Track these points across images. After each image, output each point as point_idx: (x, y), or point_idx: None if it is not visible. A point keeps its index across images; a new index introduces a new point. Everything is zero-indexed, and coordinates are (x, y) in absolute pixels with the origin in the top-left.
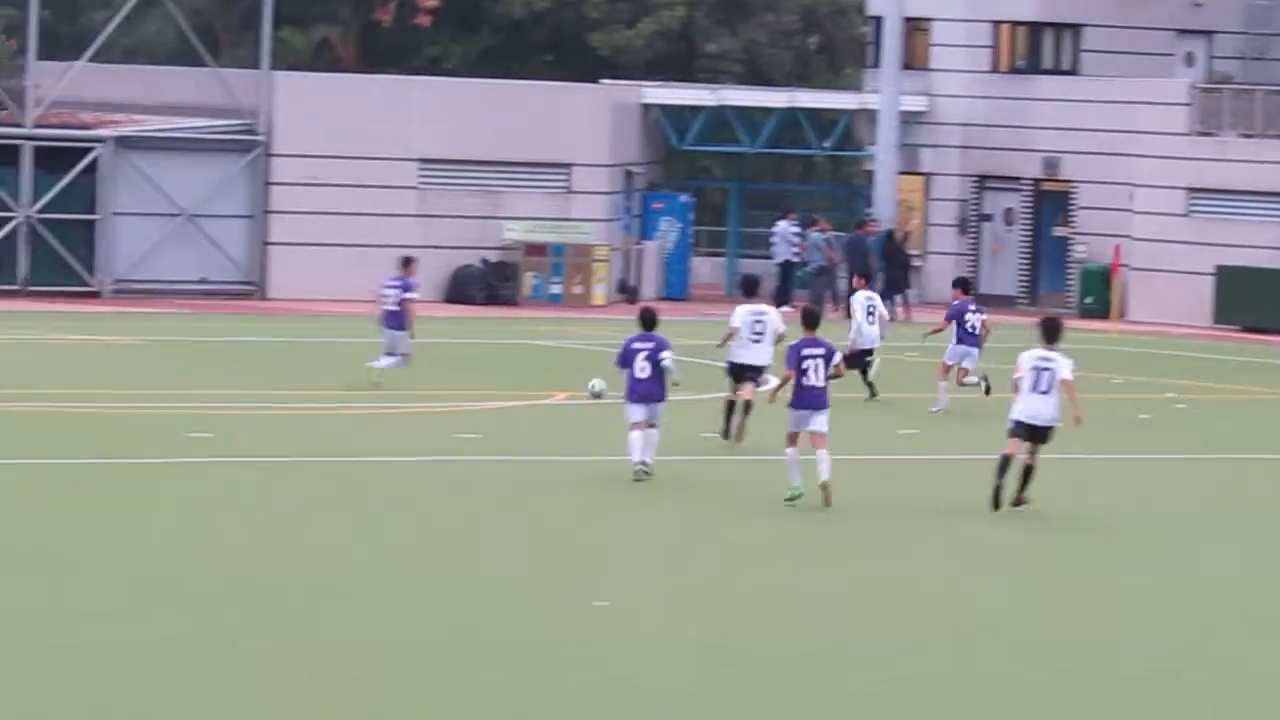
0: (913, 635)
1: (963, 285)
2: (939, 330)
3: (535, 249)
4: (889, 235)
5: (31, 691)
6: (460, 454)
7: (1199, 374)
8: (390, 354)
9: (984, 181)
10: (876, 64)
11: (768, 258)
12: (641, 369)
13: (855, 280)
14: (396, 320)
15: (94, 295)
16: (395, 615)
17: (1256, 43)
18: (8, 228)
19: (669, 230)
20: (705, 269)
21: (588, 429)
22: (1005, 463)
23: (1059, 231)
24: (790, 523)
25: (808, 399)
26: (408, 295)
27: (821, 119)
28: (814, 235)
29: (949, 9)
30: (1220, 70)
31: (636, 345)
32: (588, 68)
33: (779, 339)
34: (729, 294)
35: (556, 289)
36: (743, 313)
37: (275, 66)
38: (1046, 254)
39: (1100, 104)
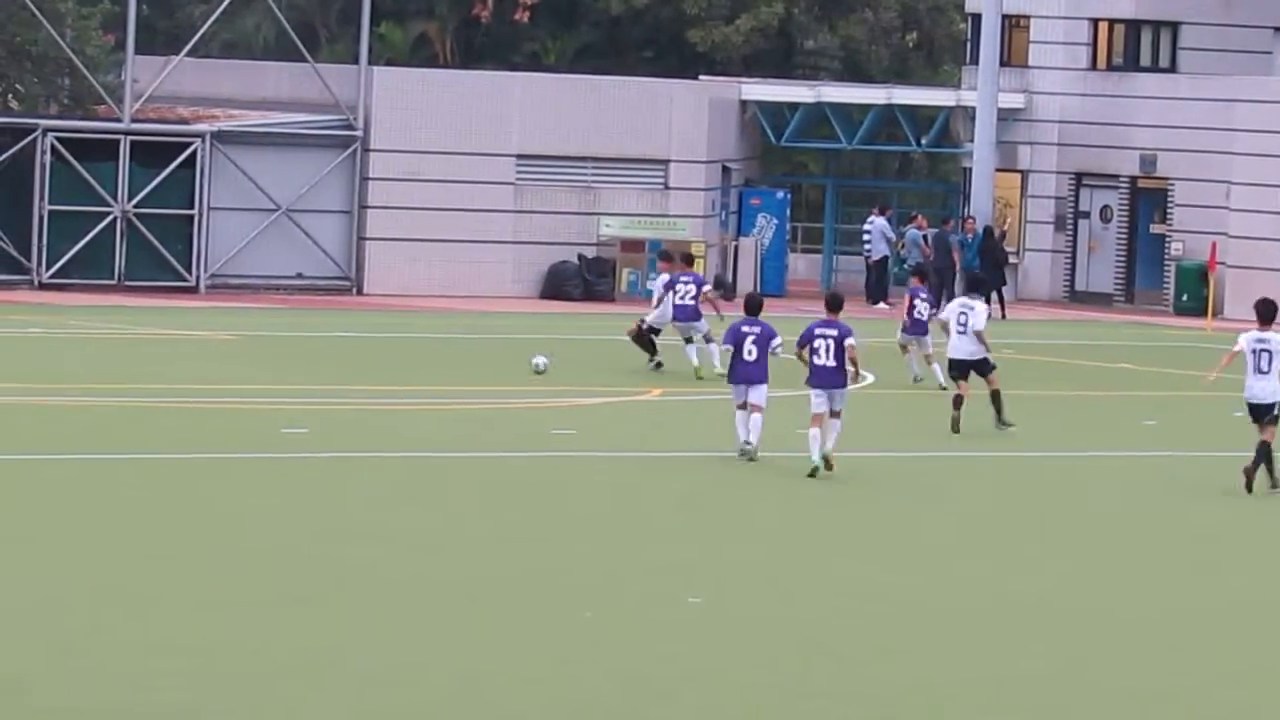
0: (1021, 632)
1: (919, 273)
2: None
3: (632, 245)
4: (986, 232)
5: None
6: (556, 449)
7: None
8: (708, 340)
9: (1081, 179)
10: (974, 61)
11: (863, 254)
12: (749, 352)
13: (913, 279)
14: (690, 313)
15: (190, 290)
16: (491, 611)
17: None
18: (105, 222)
19: (766, 227)
20: (802, 265)
21: (685, 425)
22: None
23: (1156, 229)
24: (894, 518)
25: (821, 378)
26: (704, 288)
27: (919, 116)
28: (911, 232)
29: (1048, 6)
30: None
31: (744, 329)
32: (685, 63)
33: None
34: (825, 291)
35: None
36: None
37: (373, 62)
38: (1143, 251)
39: (1198, 101)
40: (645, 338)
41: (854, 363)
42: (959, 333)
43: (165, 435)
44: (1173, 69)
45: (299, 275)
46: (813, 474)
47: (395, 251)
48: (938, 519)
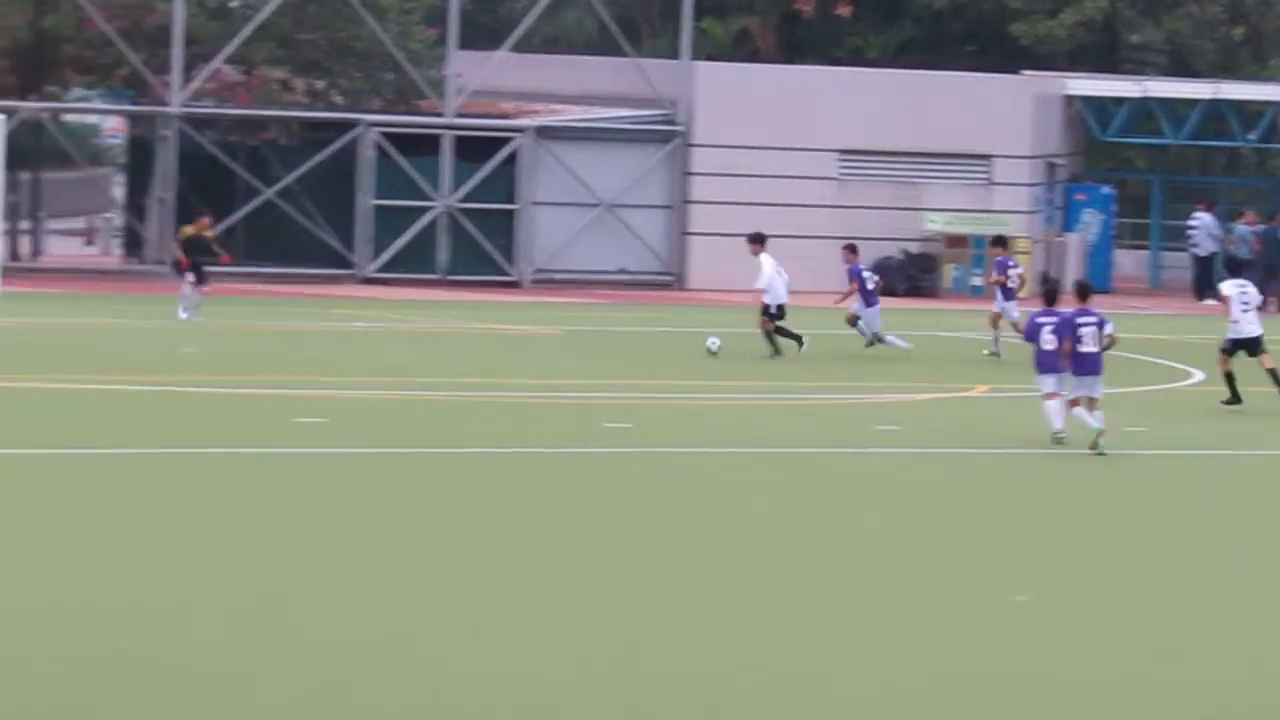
0: None
1: (851, 249)
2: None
3: (956, 241)
4: None
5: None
6: (879, 446)
7: None
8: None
9: None
10: None
11: (1189, 250)
12: (1083, 343)
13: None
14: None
15: (513, 285)
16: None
17: None
18: (428, 217)
19: (1091, 223)
20: (1128, 262)
21: (1008, 423)
22: None
23: None
24: (1232, 520)
25: (1085, 365)
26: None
27: (1247, 110)
28: (1240, 228)
29: None
30: None
31: (1080, 321)
32: (1008, 58)
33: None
34: (1154, 287)
35: (978, 281)
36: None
37: (695, 57)
38: None
39: None
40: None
41: (1109, 347)
42: (1243, 311)
43: (490, 430)
44: None
45: (622, 270)
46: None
47: (717, 246)
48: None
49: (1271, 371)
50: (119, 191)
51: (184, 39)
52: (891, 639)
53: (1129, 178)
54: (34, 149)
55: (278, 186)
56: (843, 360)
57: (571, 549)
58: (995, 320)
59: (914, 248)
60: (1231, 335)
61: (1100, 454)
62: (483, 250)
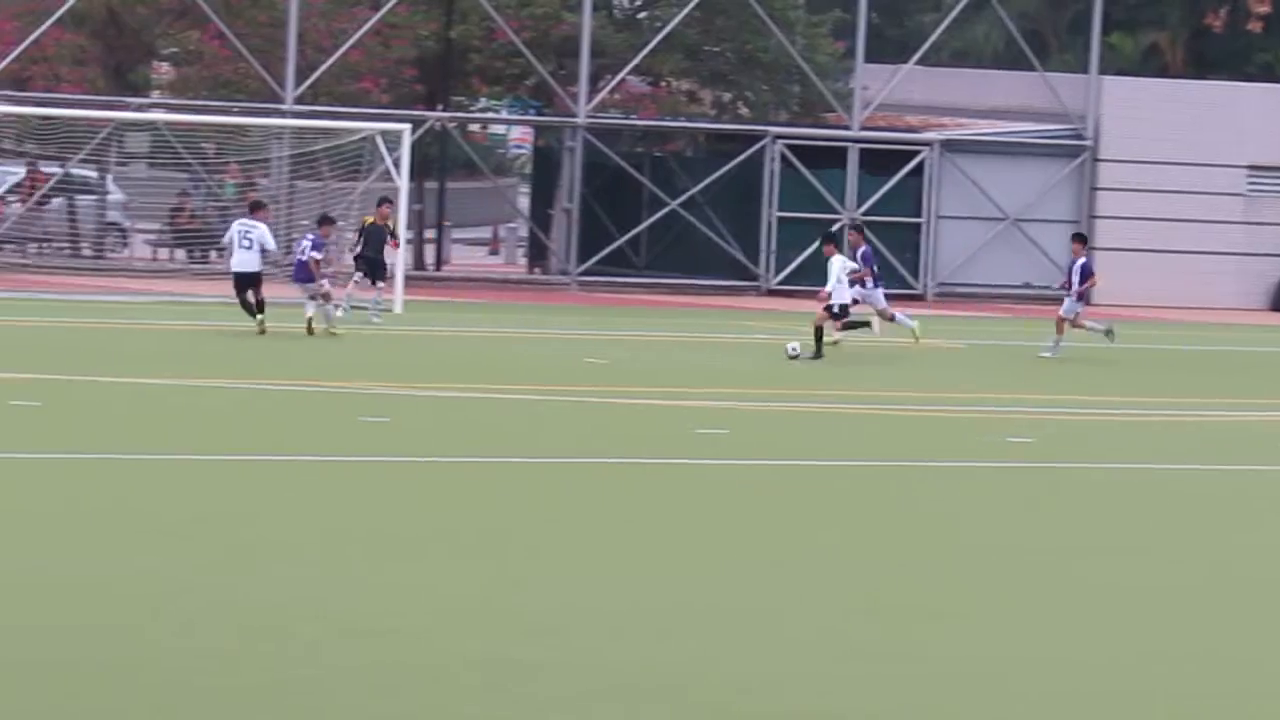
0: None
1: (852, 231)
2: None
3: None
4: None
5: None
6: (1260, 463)
7: None
8: None
9: None
10: None
11: None
12: None
13: None
14: None
15: (918, 298)
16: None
17: None
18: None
19: None
20: None
21: None
22: None
23: None
24: None
25: None
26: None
27: None
28: None
29: None
30: None
31: None
32: None
33: None
34: None
35: None
36: None
37: (1103, 71)
38: None
39: None
40: None
41: None
42: None
43: (884, 443)
44: None
45: (1026, 284)
46: None
47: (1124, 261)
48: None
49: None
50: (523, 201)
51: (590, 50)
52: None
53: None
54: (440, 158)
55: (682, 198)
56: (1216, 374)
57: (964, 565)
58: None
59: None
60: None
61: None
62: (886, 263)
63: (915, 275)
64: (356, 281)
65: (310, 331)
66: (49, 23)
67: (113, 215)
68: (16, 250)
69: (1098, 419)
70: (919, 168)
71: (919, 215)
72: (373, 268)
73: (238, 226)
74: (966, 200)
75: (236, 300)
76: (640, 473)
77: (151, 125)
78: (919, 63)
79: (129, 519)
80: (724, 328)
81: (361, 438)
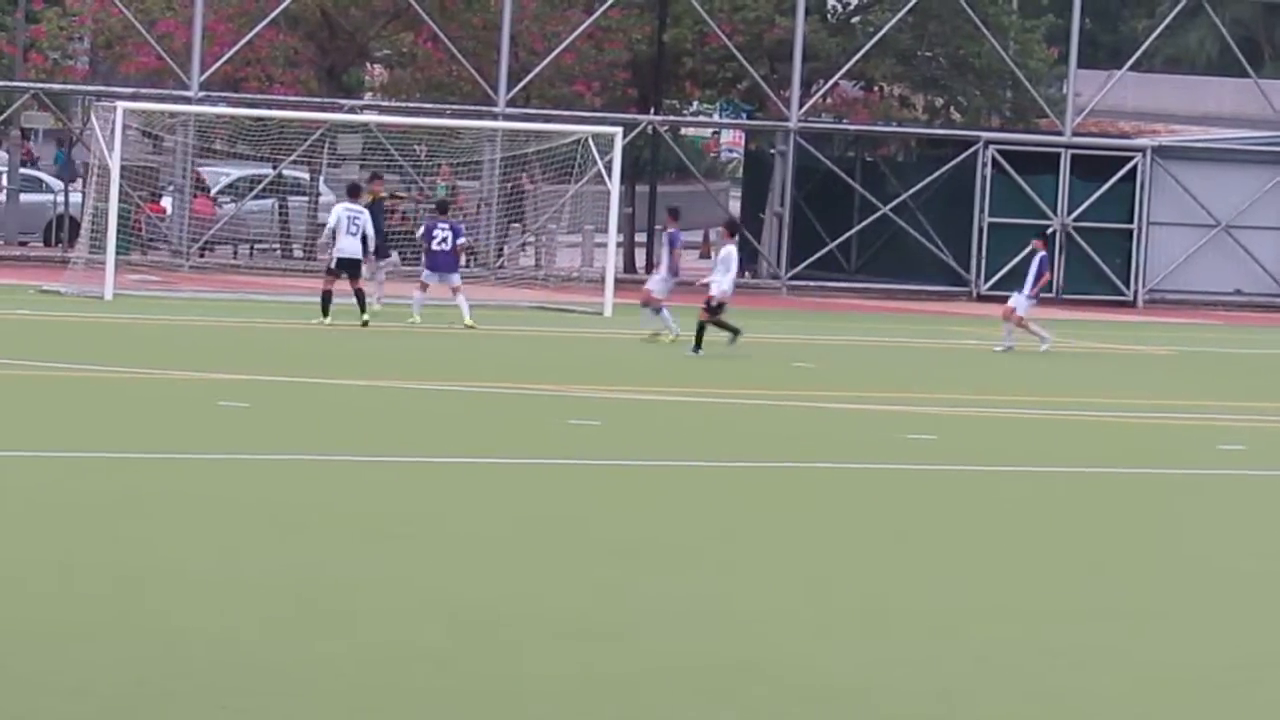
0: None
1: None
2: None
3: None
4: None
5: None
6: None
7: None
8: None
9: None
10: None
11: None
12: None
13: None
14: None
15: (1128, 305)
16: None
17: None
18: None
19: None
20: None
21: None
22: None
23: None
24: None
25: None
26: None
27: None
28: None
29: None
30: None
31: None
32: None
33: None
34: None
35: None
36: None
37: None
38: None
39: None
40: None
41: None
42: None
43: (1098, 449)
44: None
45: (1237, 291)
46: None
47: None
48: None
49: None
50: (734, 205)
51: (803, 54)
52: None
53: None
54: (651, 161)
55: (893, 203)
56: None
57: (1168, 573)
58: None
59: None
60: None
61: None
62: (1098, 269)
63: (1126, 282)
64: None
65: (470, 327)
66: (263, 24)
67: (324, 217)
68: (228, 251)
69: None
70: (1131, 174)
71: (1130, 221)
72: (376, 249)
73: (344, 212)
74: (1178, 206)
75: (322, 292)
76: (847, 478)
77: (364, 127)
78: (1132, 69)
79: (336, 519)
80: (934, 333)
81: (572, 440)
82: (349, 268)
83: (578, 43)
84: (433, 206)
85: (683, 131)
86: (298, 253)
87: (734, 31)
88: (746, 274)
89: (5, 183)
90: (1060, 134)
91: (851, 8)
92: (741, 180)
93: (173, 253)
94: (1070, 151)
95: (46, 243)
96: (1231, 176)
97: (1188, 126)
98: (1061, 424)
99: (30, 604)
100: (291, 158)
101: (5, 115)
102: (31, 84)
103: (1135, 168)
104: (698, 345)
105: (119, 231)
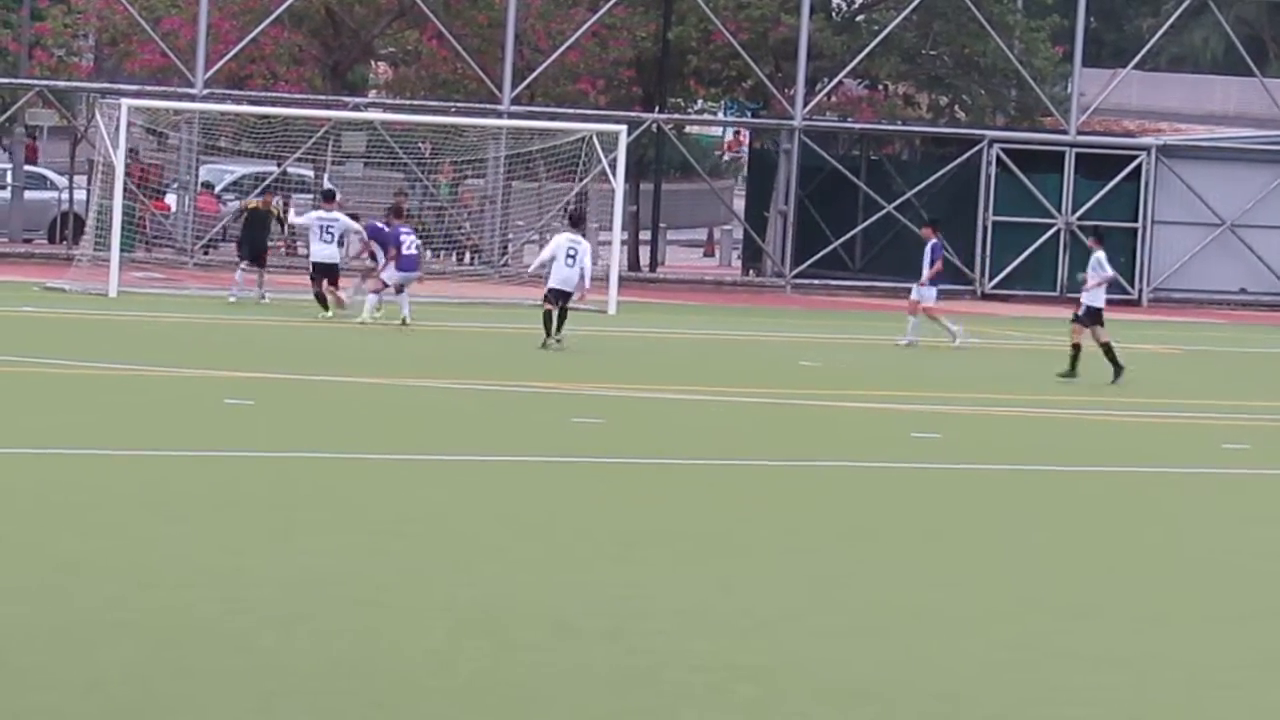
0: None
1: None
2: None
3: None
4: None
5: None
6: None
7: None
8: None
9: None
10: None
11: None
12: None
13: None
14: None
15: (1132, 304)
16: None
17: None
18: (1048, 234)
19: None
20: None
21: None
22: None
23: None
24: None
25: None
26: None
27: None
28: None
29: None
30: None
31: None
32: None
33: None
34: None
35: None
36: None
37: None
38: None
39: None
40: None
41: None
42: None
43: (1098, 448)
44: None
45: (1241, 290)
46: None
47: None
48: None
49: None
50: (739, 203)
51: (808, 52)
52: None
53: None
54: (656, 160)
55: (898, 201)
56: None
57: (1171, 573)
58: None
59: None
60: None
61: None
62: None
63: (1131, 281)
64: (244, 269)
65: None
66: (267, 22)
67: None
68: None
69: None
70: (1136, 172)
71: (1135, 220)
72: (255, 253)
73: (317, 219)
74: (1183, 205)
75: (314, 294)
76: (853, 476)
77: (368, 125)
78: (1137, 67)
79: (340, 517)
80: (939, 331)
81: (575, 439)
82: (325, 272)
83: (582, 41)
84: (439, 205)
85: (689, 129)
86: (303, 250)
87: (739, 29)
88: (751, 272)
89: (10, 180)
90: (1065, 133)
91: (856, 6)
92: (746, 179)
93: (177, 250)
94: (1075, 150)
95: (51, 240)
96: (1236, 175)
97: (1192, 125)
98: (1066, 423)
99: (34, 602)
100: (296, 155)
101: (10, 112)
102: (36, 81)
103: (1140, 166)
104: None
105: (124, 229)
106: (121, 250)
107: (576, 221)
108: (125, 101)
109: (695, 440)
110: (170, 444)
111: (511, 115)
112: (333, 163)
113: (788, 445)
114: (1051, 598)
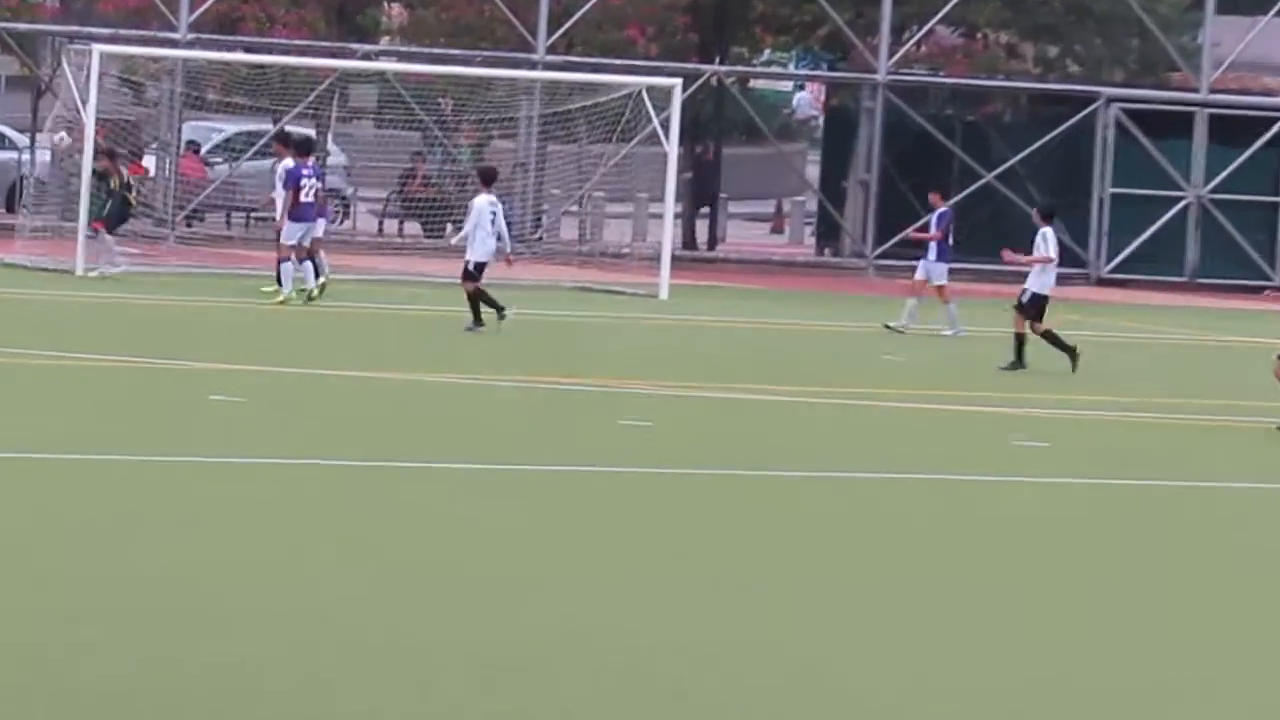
0: None
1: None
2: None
3: None
4: None
5: None
6: None
7: None
8: None
9: None
10: None
11: None
12: None
13: None
14: None
15: (1275, 289)
16: None
17: None
18: (1176, 209)
19: None
20: None
21: None
22: None
23: None
24: None
25: None
26: None
27: None
28: None
29: None
30: None
31: None
32: None
33: None
34: None
35: None
36: None
37: None
38: None
39: None
40: None
41: None
42: None
43: (1223, 460)
44: None
45: None
46: None
47: None
48: None
49: None
50: (812, 171)
51: None
52: None
53: None
54: (716, 120)
55: (998, 170)
56: None
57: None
58: None
59: None
60: None
61: None
62: (1238, 249)
63: (1270, 261)
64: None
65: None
66: None
67: (333, 181)
68: (219, 220)
69: None
70: (1277, 138)
71: (1277, 194)
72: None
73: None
74: None
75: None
76: (943, 491)
77: (380, 77)
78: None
79: (334, 536)
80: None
81: (622, 444)
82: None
83: None
84: (461, 172)
85: (754, 84)
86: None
87: None
88: (826, 251)
89: None
90: (1195, 91)
91: None
92: (821, 142)
93: (156, 221)
94: (1207, 111)
95: (9, 209)
96: None
97: None
98: (1197, 430)
99: (10, 619)
100: (295, 111)
101: None
102: None
103: None
104: None
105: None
106: (113, 227)
107: (489, 179)
108: (97, 47)
109: (759, 448)
110: (145, 448)
111: (547, 67)
112: (339, 120)
113: (868, 454)
114: (1084, 616)
